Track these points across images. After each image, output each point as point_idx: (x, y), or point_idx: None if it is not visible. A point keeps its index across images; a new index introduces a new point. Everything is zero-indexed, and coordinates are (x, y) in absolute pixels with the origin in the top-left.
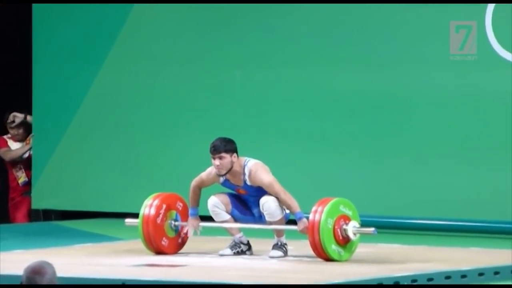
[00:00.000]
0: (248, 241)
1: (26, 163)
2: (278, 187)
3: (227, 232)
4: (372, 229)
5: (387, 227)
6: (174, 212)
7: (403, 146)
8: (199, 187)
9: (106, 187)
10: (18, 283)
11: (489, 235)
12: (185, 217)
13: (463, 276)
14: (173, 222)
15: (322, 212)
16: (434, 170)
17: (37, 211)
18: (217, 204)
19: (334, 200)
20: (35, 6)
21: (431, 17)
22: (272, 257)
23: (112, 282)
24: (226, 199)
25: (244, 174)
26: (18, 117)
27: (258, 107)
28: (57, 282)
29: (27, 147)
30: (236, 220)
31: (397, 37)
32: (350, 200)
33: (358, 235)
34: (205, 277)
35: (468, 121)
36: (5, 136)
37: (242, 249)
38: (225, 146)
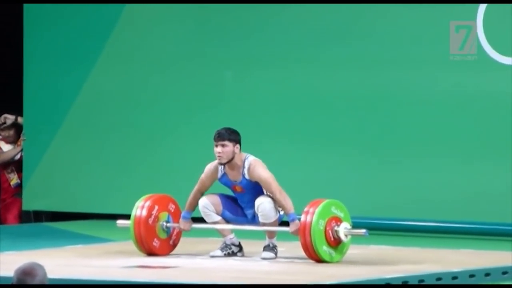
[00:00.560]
0: (239, 243)
1: (17, 165)
2: (275, 185)
3: (218, 233)
4: (364, 230)
5: (378, 229)
6: (166, 214)
7: (398, 148)
8: (200, 191)
9: (97, 188)
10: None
11: (481, 237)
12: (177, 219)
13: (454, 278)
14: (164, 223)
15: (313, 213)
16: (428, 171)
17: (28, 212)
18: (206, 205)
19: (326, 201)
20: (26, 6)
21: (431, 17)
22: (264, 259)
23: (104, 283)
24: (217, 200)
25: (243, 167)
26: (9, 118)
27: (250, 108)
28: (48, 284)
29: (19, 148)
30: (227, 221)
31: (397, 37)
32: (342, 201)
33: (349, 237)
34: (197, 278)
35: (467, 121)
36: None
37: (233, 250)
38: (230, 135)
